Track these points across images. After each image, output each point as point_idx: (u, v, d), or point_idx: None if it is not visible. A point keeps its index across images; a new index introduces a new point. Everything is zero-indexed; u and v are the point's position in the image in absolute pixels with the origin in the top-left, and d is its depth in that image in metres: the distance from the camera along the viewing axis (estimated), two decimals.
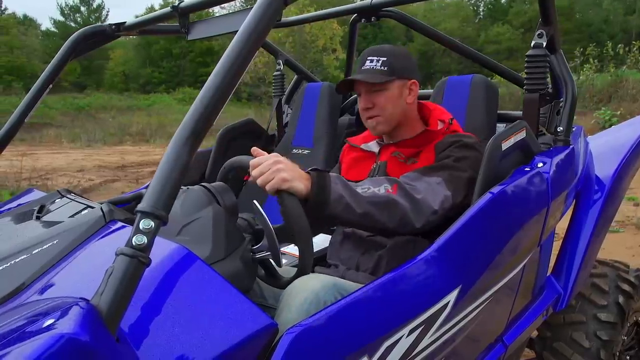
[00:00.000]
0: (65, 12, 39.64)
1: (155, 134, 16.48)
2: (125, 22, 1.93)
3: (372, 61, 1.55)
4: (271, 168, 1.19)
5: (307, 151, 2.42)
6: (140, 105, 25.55)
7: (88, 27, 1.96)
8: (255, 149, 1.28)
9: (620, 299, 1.95)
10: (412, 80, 1.60)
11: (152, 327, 0.91)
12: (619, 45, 15.19)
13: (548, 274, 1.88)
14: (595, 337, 1.89)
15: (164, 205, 0.84)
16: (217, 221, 1.17)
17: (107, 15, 39.88)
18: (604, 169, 1.97)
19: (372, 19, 2.13)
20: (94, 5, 39.72)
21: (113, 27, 1.94)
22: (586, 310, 1.95)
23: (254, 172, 1.21)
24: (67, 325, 0.70)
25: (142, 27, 1.90)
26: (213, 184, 1.27)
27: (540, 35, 1.71)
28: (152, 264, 0.98)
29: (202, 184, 1.27)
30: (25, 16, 39.92)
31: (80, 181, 8.12)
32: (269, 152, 2.57)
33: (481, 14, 42.37)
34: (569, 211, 1.96)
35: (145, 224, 0.82)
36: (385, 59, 1.55)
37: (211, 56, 34.39)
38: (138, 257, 0.80)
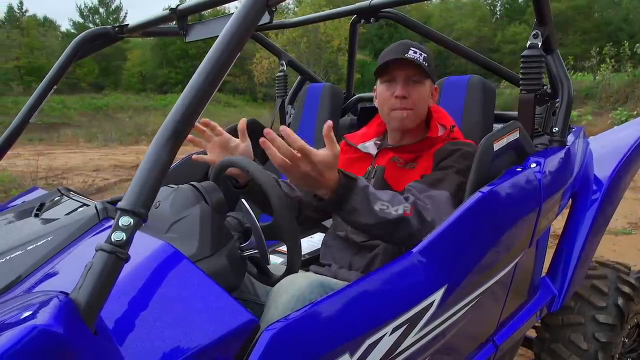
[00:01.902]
0: (84, 13, 40.21)
1: None
2: (127, 24, 1.97)
3: (415, 52, 1.53)
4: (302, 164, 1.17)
5: None
6: (157, 106, 25.84)
7: (91, 29, 2.00)
8: (285, 128, 1.23)
9: (620, 301, 1.93)
10: (435, 86, 1.63)
11: (134, 321, 0.93)
12: (637, 44, 14.92)
13: (543, 275, 1.88)
14: (593, 338, 1.88)
15: (143, 204, 0.86)
16: (204, 219, 1.19)
17: (125, 16, 40.35)
18: (603, 170, 1.96)
19: (371, 20, 2.14)
20: (113, 7, 40.24)
21: (116, 29, 1.98)
22: (585, 312, 1.94)
23: (281, 146, 1.16)
24: (42, 317, 0.73)
25: (144, 29, 1.94)
26: (202, 182, 1.30)
27: (535, 36, 1.71)
28: (138, 260, 1.02)
29: (191, 182, 1.29)
30: (45, 18, 40.57)
31: (95, 180, 8.24)
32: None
33: (498, 13, 41.98)
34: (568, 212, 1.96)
35: (125, 221, 0.84)
36: (426, 55, 1.55)
37: None
38: (116, 253, 0.81)
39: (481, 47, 33.34)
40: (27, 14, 38.14)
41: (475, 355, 1.50)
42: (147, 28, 1.92)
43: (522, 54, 1.74)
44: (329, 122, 1.19)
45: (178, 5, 1.70)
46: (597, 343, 1.87)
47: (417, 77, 1.54)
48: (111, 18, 38.97)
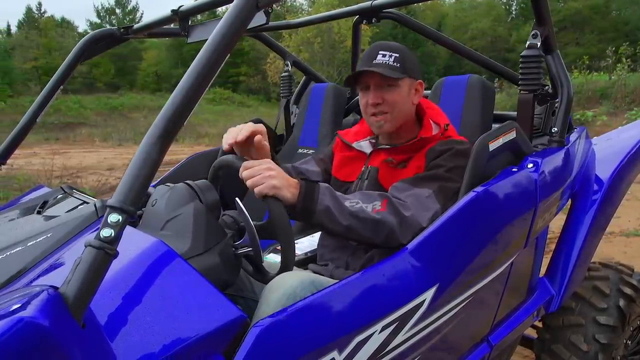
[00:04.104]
0: (101, 14, 40.70)
1: (184, 134, 16.75)
2: (132, 26, 2.00)
3: (384, 56, 1.52)
4: (262, 173, 1.23)
5: (311, 151, 2.45)
6: None
7: (97, 30, 2.04)
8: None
9: (621, 303, 1.92)
10: (419, 81, 1.59)
11: (126, 316, 0.96)
12: None
13: (542, 275, 1.87)
14: (593, 340, 1.87)
15: (132, 201, 0.88)
16: (198, 217, 1.22)
17: (141, 17, 40.71)
18: (604, 170, 1.95)
19: (373, 21, 2.15)
20: (129, 7, 40.65)
21: (121, 30, 2.02)
22: (585, 313, 1.93)
23: (244, 174, 1.26)
24: (29, 309, 0.75)
25: (148, 30, 1.97)
26: (197, 181, 1.32)
27: (534, 36, 1.71)
28: (131, 256, 1.04)
29: (186, 181, 1.32)
30: (62, 18, 41.10)
31: (109, 179, 8.34)
32: (276, 152, 2.63)
33: (513, 13, 41.61)
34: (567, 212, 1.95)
35: (113, 218, 0.86)
36: (397, 55, 1.53)
37: (241, 57, 34.79)
38: (105, 249, 0.84)
39: (496, 46, 33.11)
40: (45, 15, 38.73)
41: (469, 355, 1.51)
42: (150, 29, 1.95)
43: (521, 54, 1.74)
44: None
45: (180, 7, 1.73)
46: (598, 344, 1.86)
47: (389, 80, 1.52)
48: (127, 19, 39.35)
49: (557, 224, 2.03)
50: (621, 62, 14.34)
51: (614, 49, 15.25)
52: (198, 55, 1.00)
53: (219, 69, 1.02)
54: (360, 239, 1.36)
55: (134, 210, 0.88)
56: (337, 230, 1.32)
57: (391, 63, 1.51)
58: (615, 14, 35.50)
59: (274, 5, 1.26)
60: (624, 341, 2.00)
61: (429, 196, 1.40)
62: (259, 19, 1.25)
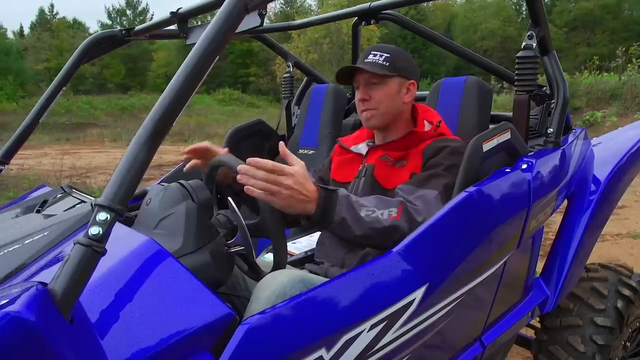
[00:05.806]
0: (112, 15, 41.02)
1: (194, 134, 16.84)
2: (134, 28, 2.03)
3: (375, 55, 1.59)
4: (281, 189, 1.19)
5: (312, 151, 2.47)
6: None
7: (100, 32, 2.06)
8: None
9: (619, 304, 1.92)
10: (411, 81, 1.64)
11: (116, 312, 0.98)
12: None
13: (537, 276, 1.88)
14: (591, 341, 1.87)
15: (120, 200, 0.90)
16: (190, 216, 1.24)
17: (151, 18, 40.93)
18: (602, 171, 1.95)
19: (372, 22, 2.17)
20: (140, 9, 40.95)
21: (123, 32, 2.05)
22: (583, 314, 1.93)
23: (257, 174, 1.19)
24: (16, 304, 0.77)
25: (149, 32, 2.00)
26: (190, 181, 1.34)
27: (530, 37, 1.72)
28: (122, 254, 1.07)
29: (180, 181, 1.34)
30: (74, 20, 41.52)
31: None
32: (276, 153, 2.65)
33: (524, 13, 41.28)
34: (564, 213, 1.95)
35: (101, 216, 0.88)
36: (388, 55, 1.59)
37: (250, 57, 34.91)
38: (93, 247, 0.85)
39: (506, 47, 32.90)
40: (57, 16, 39.13)
41: (461, 354, 1.51)
42: (151, 31, 1.98)
43: (517, 55, 1.75)
44: (282, 143, 1.27)
45: (178, 9, 1.75)
46: (595, 345, 1.86)
47: (376, 79, 1.59)
48: (138, 20, 39.62)
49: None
50: (631, 62, 14.16)
51: (624, 49, 15.06)
52: (187, 57, 1.01)
53: (208, 71, 1.03)
54: (371, 245, 1.41)
55: (122, 208, 0.90)
56: (349, 238, 1.34)
57: (380, 62, 1.58)
58: (627, 13, 35.14)
59: (268, 7, 1.27)
60: (623, 343, 1.99)
61: (436, 198, 1.44)
62: (252, 20, 1.26)
